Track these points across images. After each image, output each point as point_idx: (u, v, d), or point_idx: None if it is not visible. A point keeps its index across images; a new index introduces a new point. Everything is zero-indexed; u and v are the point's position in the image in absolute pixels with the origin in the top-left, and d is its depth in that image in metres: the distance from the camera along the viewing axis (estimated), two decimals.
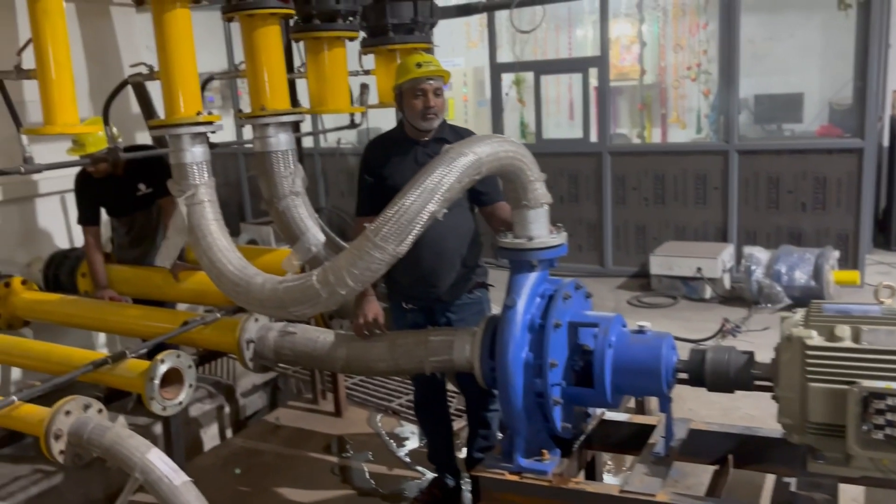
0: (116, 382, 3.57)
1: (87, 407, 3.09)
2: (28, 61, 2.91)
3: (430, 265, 3.50)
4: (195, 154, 3.22)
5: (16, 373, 5.58)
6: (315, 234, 3.80)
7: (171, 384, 3.52)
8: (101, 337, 6.14)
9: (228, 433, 5.47)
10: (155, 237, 5.08)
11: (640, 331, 3.12)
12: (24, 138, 3.02)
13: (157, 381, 3.39)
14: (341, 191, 9.71)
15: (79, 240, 5.90)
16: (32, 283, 4.99)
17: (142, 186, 4.76)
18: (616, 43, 11.21)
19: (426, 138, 3.57)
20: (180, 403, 3.55)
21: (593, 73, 8.10)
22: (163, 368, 3.42)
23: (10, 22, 5.28)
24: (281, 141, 3.70)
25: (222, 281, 3.15)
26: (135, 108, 6.20)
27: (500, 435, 3.95)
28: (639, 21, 9.48)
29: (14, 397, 3.10)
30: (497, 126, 8.58)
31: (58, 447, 2.99)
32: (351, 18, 4.10)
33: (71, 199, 5.87)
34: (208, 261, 3.17)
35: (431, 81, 3.46)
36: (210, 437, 5.40)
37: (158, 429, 4.84)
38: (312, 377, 5.42)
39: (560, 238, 3.16)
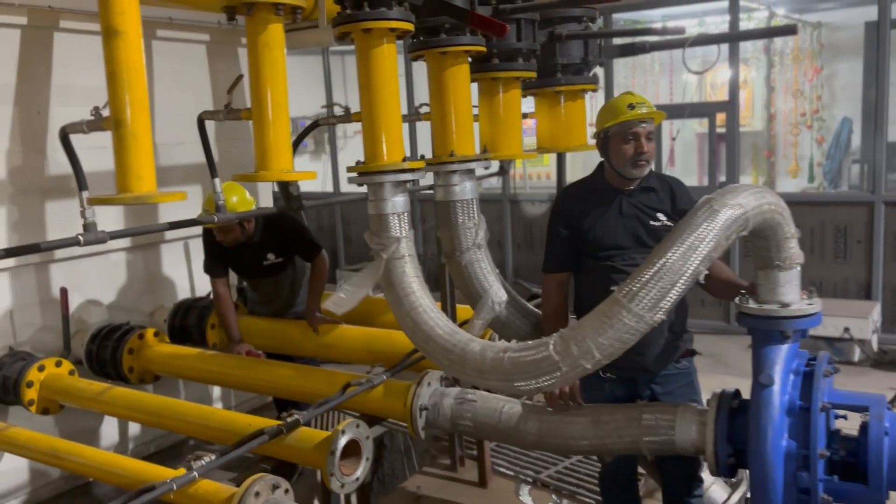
0: (288, 454, 3.22)
1: (275, 487, 2.74)
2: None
3: None
4: (396, 204, 2.89)
5: (133, 428, 5.31)
6: (497, 291, 3.43)
7: (347, 457, 3.16)
8: (216, 391, 5.85)
9: (353, 496, 5.09)
10: (286, 298, 4.80)
11: None
12: (218, 185, 2.73)
13: (338, 455, 3.03)
14: (438, 237, 9.39)
15: (202, 288, 5.67)
16: (164, 334, 4.73)
17: (271, 256, 4.51)
18: (722, 88, 10.84)
19: (631, 187, 3.21)
20: (357, 479, 3.18)
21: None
22: (343, 441, 3.07)
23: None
24: (466, 189, 3.38)
25: (430, 346, 2.79)
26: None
27: None
28: (767, 66, 9.05)
29: (195, 472, 2.76)
30: None
31: None
32: (530, 59, 3.79)
33: (194, 246, 5.67)
34: (412, 322, 2.82)
35: (644, 124, 3.11)
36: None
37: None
38: (451, 441, 5.00)
39: (816, 305, 2.73)
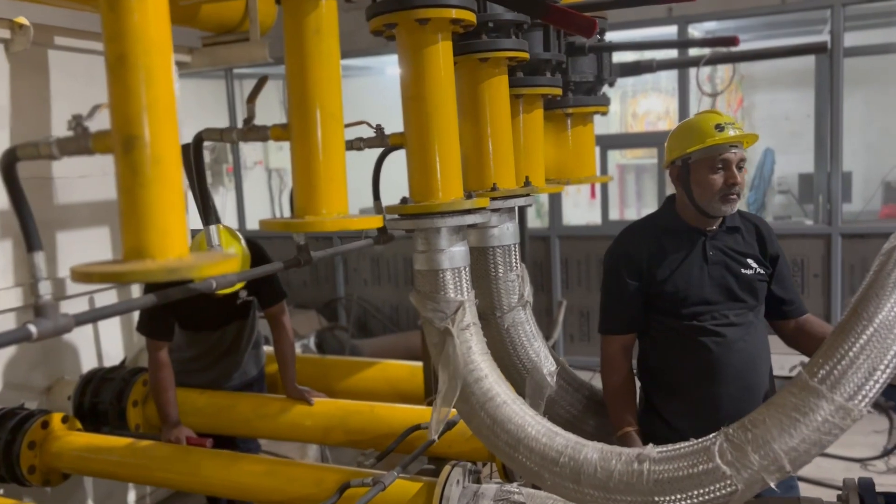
0: None
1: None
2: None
3: (735, 407, 2.46)
4: (455, 257, 2.13)
5: None
6: (545, 359, 2.73)
7: None
8: (128, 488, 4.72)
9: None
10: (242, 355, 3.88)
11: None
12: (215, 235, 1.86)
13: None
14: (364, 279, 8.58)
15: (112, 355, 4.62)
16: (75, 420, 3.69)
17: (243, 293, 3.57)
18: (642, 119, 10.66)
19: (714, 226, 2.62)
20: None
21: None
22: None
23: None
24: (507, 232, 2.67)
25: (521, 453, 2.01)
26: None
27: None
28: (709, 96, 8.87)
29: None
30: (555, 211, 7.68)
31: None
32: (556, 73, 3.16)
33: (101, 301, 4.62)
34: (489, 419, 2.05)
35: (735, 150, 2.53)
36: None
37: None
38: None
39: None
